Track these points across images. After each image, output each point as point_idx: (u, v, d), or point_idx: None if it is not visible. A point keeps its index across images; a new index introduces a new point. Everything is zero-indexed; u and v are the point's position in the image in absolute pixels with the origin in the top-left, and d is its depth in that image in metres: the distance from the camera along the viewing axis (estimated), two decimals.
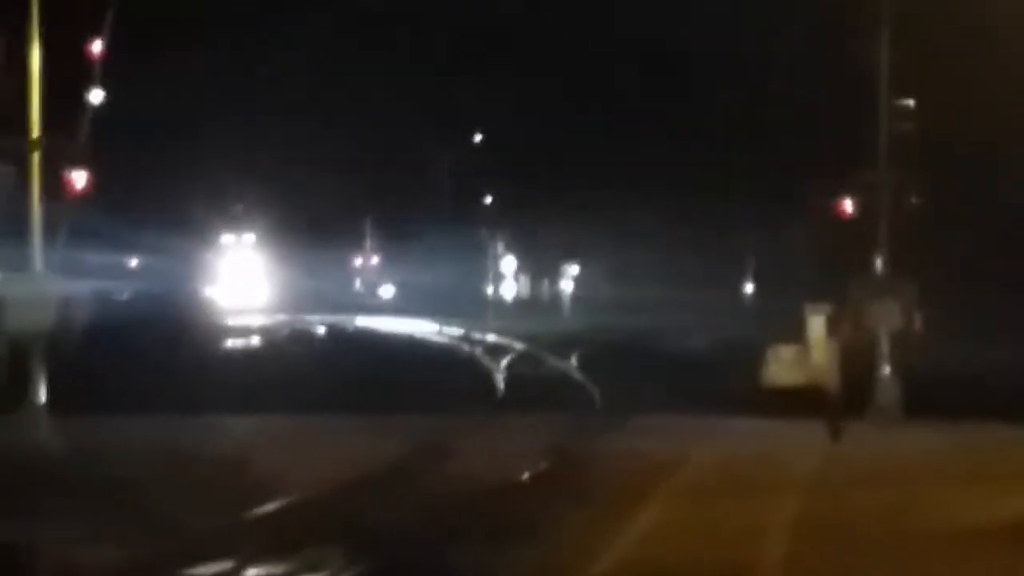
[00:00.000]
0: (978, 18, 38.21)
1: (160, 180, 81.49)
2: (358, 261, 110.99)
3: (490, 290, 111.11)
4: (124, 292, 71.26)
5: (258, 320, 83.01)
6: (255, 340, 69.93)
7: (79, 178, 33.96)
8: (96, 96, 40.98)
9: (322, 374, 46.26)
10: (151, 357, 45.15)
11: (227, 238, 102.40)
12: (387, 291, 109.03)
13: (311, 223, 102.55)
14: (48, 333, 32.24)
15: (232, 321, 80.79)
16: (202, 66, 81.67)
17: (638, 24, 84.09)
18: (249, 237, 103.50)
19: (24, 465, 27.66)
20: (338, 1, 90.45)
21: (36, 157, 32.12)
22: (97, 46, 36.74)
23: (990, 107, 43.58)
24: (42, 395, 31.51)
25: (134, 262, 76.99)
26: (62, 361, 32.43)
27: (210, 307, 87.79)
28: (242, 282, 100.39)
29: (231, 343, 66.55)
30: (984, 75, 42.08)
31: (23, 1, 32.08)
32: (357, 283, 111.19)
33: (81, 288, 36.61)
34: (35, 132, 32.11)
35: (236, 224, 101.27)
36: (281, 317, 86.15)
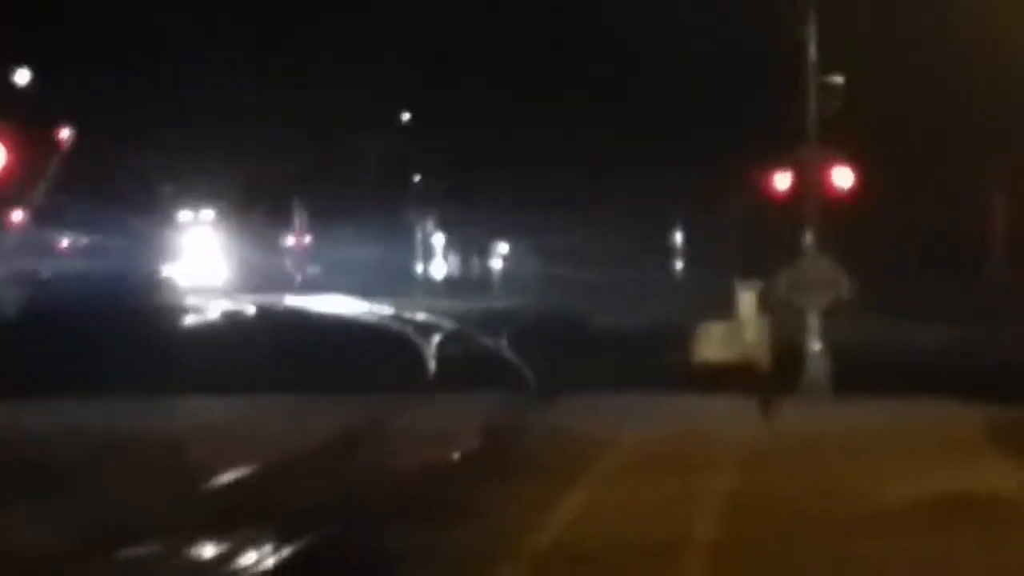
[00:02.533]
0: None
1: (118, 160, 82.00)
2: (289, 241, 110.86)
3: (420, 268, 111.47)
4: (46, 273, 71.01)
5: (205, 299, 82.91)
6: (198, 320, 69.90)
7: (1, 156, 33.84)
8: (23, 76, 40.72)
9: (257, 354, 46.36)
10: (88, 338, 45.06)
11: (185, 216, 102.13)
12: (312, 270, 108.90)
13: (249, 204, 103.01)
14: None
15: (182, 300, 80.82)
16: (153, 50, 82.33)
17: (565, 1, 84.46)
18: (207, 214, 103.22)
19: None
20: None
21: None
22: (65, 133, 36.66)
23: (920, 89, 43.91)
24: None
25: (64, 242, 76.85)
26: None
27: (163, 286, 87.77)
28: (200, 260, 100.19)
29: (175, 323, 66.45)
30: (917, 57, 42.31)
31: None
32: (287, 263, 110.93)
33: (10, 269, 36.66)
34: None
35: (171, 204, 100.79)
36: (224, 296, 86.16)
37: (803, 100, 35.56)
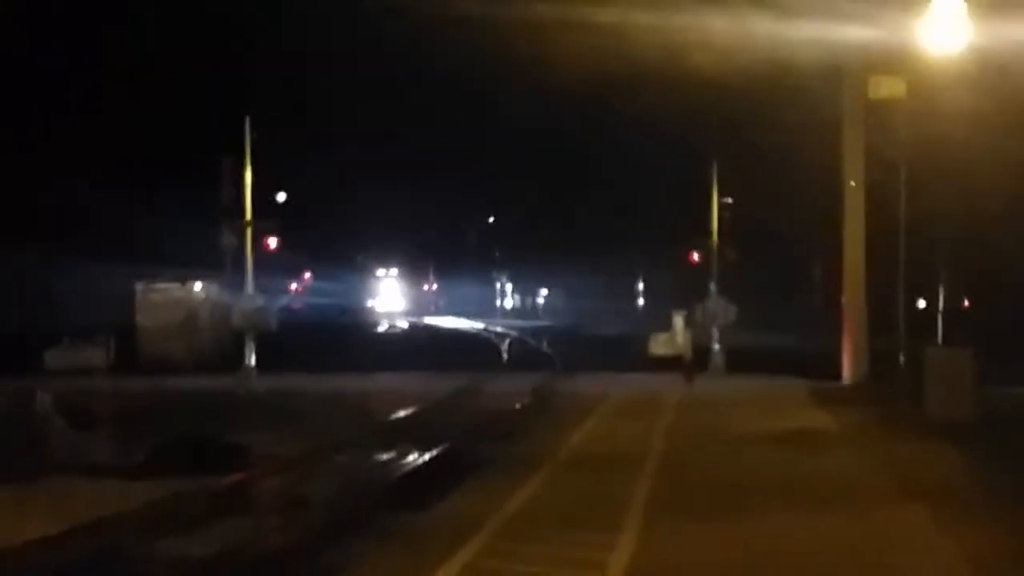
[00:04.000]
0: (773, 151, 38.20)
1: (338, 242, 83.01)
2: (425, 287, 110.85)
3: (498, 303, 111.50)
4: (297, 303, 71.25)
5: (388, 319, 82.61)
6: (383, 330, 69.84)
7: (272, 241, 34.18)
8: (281, 196, 41.05)
9: (411, 348, 46.49)
10: (319, 340, 45.20)
11: (380, 271, 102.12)
12: (440, 303, 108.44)
13: (409, 265, 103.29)
14: (256, 326, 32.50)
15: (376, 320, 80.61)
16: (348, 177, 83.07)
17: (573, 156, 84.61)
18: (393, 271, 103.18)
19: (243, 399, 28.00)
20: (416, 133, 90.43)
21: (249, 230, 32.45)
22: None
23: (775, 203, 43.73)
24: (253, 360, 31.73)
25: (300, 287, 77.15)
26: (265, 342, 32.68)
27: (365, 312, 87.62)
28: (388, 297, 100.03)
29: (371, 332, 66.27)
30: (773, 185, 42.09)
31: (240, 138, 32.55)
32: (426, 300, 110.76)
33: (272, 301, 37.13)
34: (248, 216, 32.41)
35: (366, 267, 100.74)
36: (398, 318, 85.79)
37: (708, 212, 35.72)
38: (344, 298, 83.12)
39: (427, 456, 18.43)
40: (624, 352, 39.40)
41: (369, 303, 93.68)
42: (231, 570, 11.80)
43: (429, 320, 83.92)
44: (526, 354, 46.17)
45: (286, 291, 68.49)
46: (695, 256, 37.11)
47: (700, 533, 10.46)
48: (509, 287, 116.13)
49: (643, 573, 8.88)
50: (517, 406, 25.19)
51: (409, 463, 18.15)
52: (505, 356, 45.88)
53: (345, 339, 48.88)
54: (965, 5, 17.96)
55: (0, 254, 47.53)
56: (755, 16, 23.44)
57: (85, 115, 55.46)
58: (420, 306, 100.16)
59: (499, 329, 66.75)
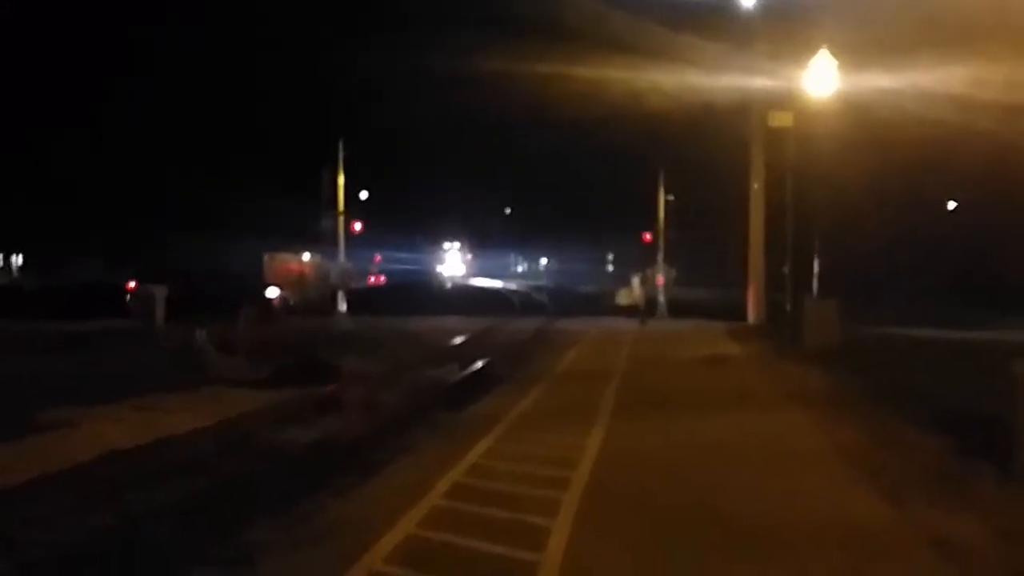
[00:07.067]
0: (703, 162, 37.62)
1: (411, 225, 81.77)
2: (467, 258, 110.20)
3: (512, 268, 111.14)
4: (377, 270, 70.47)
5: (451, 280, 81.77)
6: (445, 288, 69.14)
7: (358, 225, 34.11)
8: (363, 194, 40.92)
9: (459, 299, 46.30)
10: (398, 293, 45.07)
11: (446, 245, 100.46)
12: (474, 268, 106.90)
13: (460, 242, 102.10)
14: (346, 284, 32.46)
15: (443, 281, 79.55)
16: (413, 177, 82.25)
17: (565, 167, 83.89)
18: (456, 245, 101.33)
19: (338, 334, 28.07)
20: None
21: (341, 219, 32.44)
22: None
23: (704, 199, 43.24)
24: (344, 307, 31.79)
25: (378, 257, 76.03)
26: (353, 295, 32.67)
27: (434, 275, 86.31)
28: (452, 264, 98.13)
29: (437, 289, 65.49)
30: (702, 186, 41.50)
31: (334, 151, 32.49)
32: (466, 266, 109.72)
33: (360, 272, 37.25)
34: (341, 208, 32.40)
35: (440, 241, 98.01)
36: (455, 280, 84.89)
37: (656, 205, 35.56)
38: (414, 264, 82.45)
39: (464, 373, 18.52)
40: (598, 303, 39.37)
41: (437, 268, 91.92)
42: (330, 449, 11.93)
43: (470, 281, 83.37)
44: (532, 304, 46.14)
45: (368, 276, 67.16)
46: (648, 236, 36.99)
47: (649, 422, 10.43)
48: (521, 260, 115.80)
49: (610, 448, 8.95)
50: (525, 338, 25.25)
51: (452, 378, 18.23)
52: (518, 305, 45.89)
53: (409, 293, 48.79)
54: (835, 63, 17.97)
55: (189, 241, 50.76)
56: (691, 70, 23.39)
57: (241, 147, 56.60)
58: (467, 272, 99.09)
59: (513, 287, 66.60)
